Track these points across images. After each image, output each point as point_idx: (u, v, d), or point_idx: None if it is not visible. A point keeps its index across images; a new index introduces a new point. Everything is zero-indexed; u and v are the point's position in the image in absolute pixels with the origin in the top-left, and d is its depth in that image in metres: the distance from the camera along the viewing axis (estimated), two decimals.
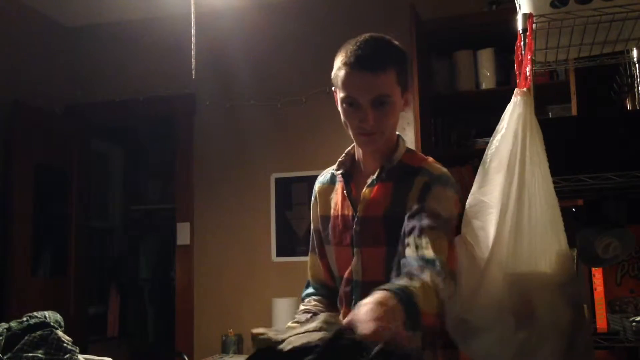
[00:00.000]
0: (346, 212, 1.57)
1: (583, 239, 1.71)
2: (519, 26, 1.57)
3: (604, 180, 1.50)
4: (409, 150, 1.60)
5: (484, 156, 1.45)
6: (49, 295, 3.92)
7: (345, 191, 1.59)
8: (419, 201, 1.45)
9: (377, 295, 1.17)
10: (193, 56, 3.22)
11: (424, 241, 1.37)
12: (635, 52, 1.89)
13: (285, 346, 1.05)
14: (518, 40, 1.57)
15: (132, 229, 5.89)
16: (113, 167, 5.92)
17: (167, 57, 4.24)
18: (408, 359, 1.10)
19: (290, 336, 1.08)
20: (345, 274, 1.57)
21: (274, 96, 4.04)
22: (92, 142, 4.66)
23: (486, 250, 1.36)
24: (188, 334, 4.08)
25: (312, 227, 1.71)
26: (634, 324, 1.52)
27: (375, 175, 1.54)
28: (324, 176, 1.71)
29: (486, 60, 3.51)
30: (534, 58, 1.69)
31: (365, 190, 1.55)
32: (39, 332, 1.87)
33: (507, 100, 1.45)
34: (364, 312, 1.10)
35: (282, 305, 3.66)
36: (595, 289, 1.77)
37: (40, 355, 1.79)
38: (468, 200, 1.45)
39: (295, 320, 1.58)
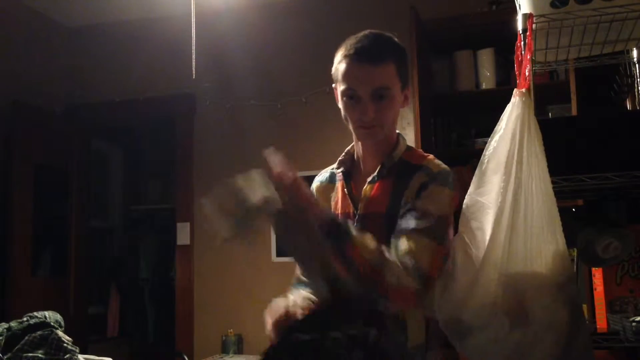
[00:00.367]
0: (347, 210, 1.57)
1: (583, 239, 1.71)
2: (519, 26, 1.57)
3: (604, 180, 1.50)
4: (409, 147, 1.61)
5: (482, 157, 1.45)
6: (49, 295, 3.92)
7: (345, 189, 1.59)
8: (413, 200, 1.45)
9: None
10: (193, 56, 3.22)
11: (405, 246, 1.37)
12: (635, 52, 1.89)
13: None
14: (518, 41, 1.57)
15: (132, 229, 5.87)
16: (113, 167, 5.91)
17: (167, 57, 4.24)
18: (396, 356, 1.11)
19: None
20: None
21: (274, 96, 4.03)
22: (92, 142, 4.67)
23: (483, 251, 1.36)
24: (188, 334, 4.07)
25: None
26: (633, 324, 1.52)
27: (376, 172, 1.55)
28: (322, 175, 1.71)
29: (486, 60, 3.51)
30: (533, 58, 1.70)
31: (366, 187, 1.55)
32: (39, 332, 1.87)
33: (507, 100, 1.45)
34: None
35: None
36: (595, 289, 1.77)
37: (40, 355, 1.79)
38: (465, 201, 1.45)
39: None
